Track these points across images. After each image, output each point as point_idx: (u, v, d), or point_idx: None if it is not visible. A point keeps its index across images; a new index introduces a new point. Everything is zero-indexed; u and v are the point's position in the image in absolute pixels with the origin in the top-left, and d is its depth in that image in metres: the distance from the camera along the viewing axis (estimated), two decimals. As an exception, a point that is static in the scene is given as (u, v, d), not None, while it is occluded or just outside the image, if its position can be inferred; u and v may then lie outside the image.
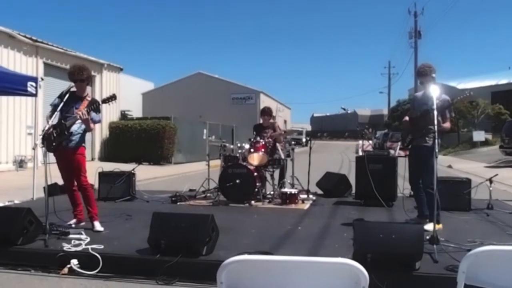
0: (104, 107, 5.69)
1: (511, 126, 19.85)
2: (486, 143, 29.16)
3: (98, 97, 6.49)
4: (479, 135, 28.61)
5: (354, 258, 3.65)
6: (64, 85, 5.57)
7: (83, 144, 5.60)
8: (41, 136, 4.91)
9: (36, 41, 17.11)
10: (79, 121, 5.34)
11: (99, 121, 5.67)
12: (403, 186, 7.82)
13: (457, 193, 6.78)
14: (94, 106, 5.38)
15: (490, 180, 7.24)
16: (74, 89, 5.49)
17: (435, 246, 4.27)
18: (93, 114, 5.38)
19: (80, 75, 5.47)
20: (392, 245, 3.82)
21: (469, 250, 2.28)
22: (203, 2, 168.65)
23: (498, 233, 5.37)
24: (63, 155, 5.46)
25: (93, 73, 19.90)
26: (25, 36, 16.59)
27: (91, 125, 5.46)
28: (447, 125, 5.55)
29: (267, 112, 8.81)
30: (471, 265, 2.12)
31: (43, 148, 5.31)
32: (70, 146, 5.43)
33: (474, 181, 7.47)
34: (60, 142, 5.37)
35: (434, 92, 5.19)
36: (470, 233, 5.22)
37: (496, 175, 7.65)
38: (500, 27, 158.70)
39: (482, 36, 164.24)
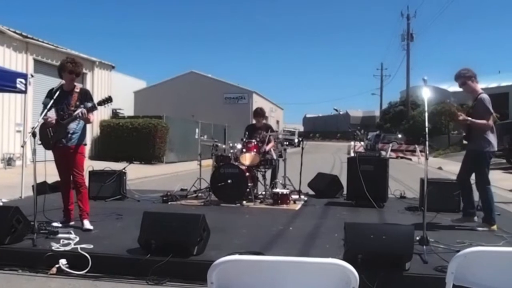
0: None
1: (500, 129, 19.89)
2: (476, 145, 29.33)
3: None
4: (469, 137, 28.78)
5: (345, 259, 3.66)
6: (55, 82, 5.54)
7: (84, 142, 5.59)
8: (30, 134, 4.88)
9: (26, 37, 16.96)
10: (76, 120, 5.34)
11: (95, 108, 5.54)
12: (395, 187, 7.88)
13: (447, 195, 6.82)
14: (87, 97, 5.38)
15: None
16: (63, 82, 5.45)
17: (424, 247, 4.31)
18: (87, 104, 5.38)
19: (80, 68, 5.46)
20: (383, 246, 3.84)
21: (458, 251, 2.29)
22: (197, 1, 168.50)
23: (487, 234, 5.41)
24: (63, 153, 5.45)
25: (84, 71, 19.76)
26: (15, 32, 16.43)
27: (90, 117, 5.45)
28: (479, 122, 5.60)
29: (259, 114, 8.81)
30: (459, 265, 2.13)
31: (40, 144, 5.28)
32: (70, 144, 5.42)
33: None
34: (58, 140, 5.36)
35: (426, 94, 5.25)
36: (459, 234, 5.26)
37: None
38: (490, 31, 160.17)
39: (473, 39, 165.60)
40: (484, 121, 5.59)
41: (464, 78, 5.78)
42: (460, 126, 6.07)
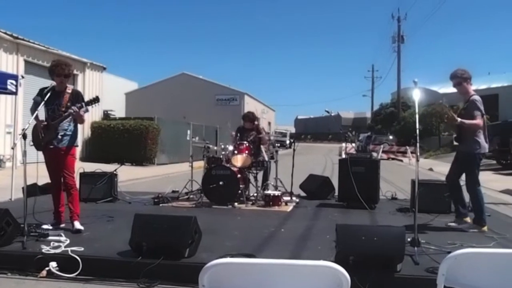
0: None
1: (490, 130, 20.06)
2: (466, 146, 29.50)
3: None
4: (459, 139, 28.98)
5: (336, 260, 3.66)
6: (45, 83, 5.52)
7: (75, 144, 5.57)
8: (20, 135, 4.84)
9: (17, 38, 16.84)
10: (68, 118, 5.32)
11: (87, 111, 5.59)
12: (387, 188, 7.90)
13: (438, 196, 6.85)
14: (78, 99, 5.38)
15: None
16: (55, 84, 5.43)
17: (416, 248, 4.33)
18: (77, 104, 5.36)
19: (68, 70, 5.43)
20: (374, 247, 3.85)
21: (449, 252, 2.29)
22: (188, 2, 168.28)
23: (477, 236, 5.44)
24: (53, 154, 5.42)
25: (75, 72, 19.71)
26: (5, 33, 16.33)
27: (83, 117, 5.44)
28: (470, 122, 5.62)
29: (246, 119, 8.78)
30: (450, 267, 2.13)
31: (32, 145, 5.26)
32: (61, 146, 5.40)
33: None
34: (49, 141, 5.33)
35: (416, 96, 5.28)
36: (450, 236, 5.28)
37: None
38: (479, 32, 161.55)
39: (463, 41, 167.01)
40: (474, 121, 5.62)
41: (461, 78, 5.82)
42: (451, 128, 6.10)
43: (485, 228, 5.66)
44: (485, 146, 5.73)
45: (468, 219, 5.88)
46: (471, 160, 5.72)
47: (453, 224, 5.89)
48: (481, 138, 5.69)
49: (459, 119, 5.61)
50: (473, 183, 5.73)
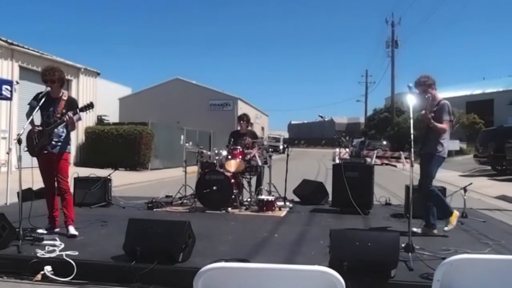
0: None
1: (485, 136, 20.14)
2: (460, 152, 29.68)
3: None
4: (454, 144, 29.07)
5: (330, 266, 3.67)
6: (40, 88, 5.51)
7: (68, 150, 5.57)
8: (15, 141, 4.83)
9: (11, 44, 16.81)
10: (62, 124, 5.32)
11: (80, 119, 5.61)
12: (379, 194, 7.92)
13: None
14: (73, 106, 5.39)
15: (465, 189, 7.34)
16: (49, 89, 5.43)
17: (410, 254, 4.32)
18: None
19: (51, 76, 5.41)
20: (368, 253, 3.86)
21: (443, 258, 2.31)
22: (182, 7, 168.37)
23: (472, 242, 5.47)
24: (47, 159, 5.42)
25: (69, 78, 19.67)
26: (0, 39, 16.28)
27: (75, 124, 5.46)
28: (439, 125, 5.64)
29: (243, 119, 8.83)
30: (445, 273, 2.14)
31: (26, 151, 5.25)
32: (55, 151, 5.40)
33: (449, 190, 7.57)
34: (43, 147, 5.33)
35: (410, 101, 5.31)
36: (444, 241, 5.31)
37: (471, 184, 7.77)
38: (474, 37, 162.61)
39: (457, 46, 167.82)
40: (442, 126, 5.67)
41: (425, 86, 5.83)
42: (421, 130, 6.08)
43: (455, 214, 5.65)
44: (446, 150, 5.83)
45: (435, 231, 5.83)
46: (431, 159, 5.73)
47: (417, 230, 5.78)
48: (445, 142, 5.76)
49: (432, 122, 5.65)
50: (428, 180, 5.73)
